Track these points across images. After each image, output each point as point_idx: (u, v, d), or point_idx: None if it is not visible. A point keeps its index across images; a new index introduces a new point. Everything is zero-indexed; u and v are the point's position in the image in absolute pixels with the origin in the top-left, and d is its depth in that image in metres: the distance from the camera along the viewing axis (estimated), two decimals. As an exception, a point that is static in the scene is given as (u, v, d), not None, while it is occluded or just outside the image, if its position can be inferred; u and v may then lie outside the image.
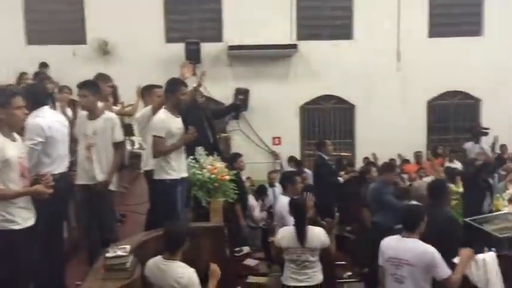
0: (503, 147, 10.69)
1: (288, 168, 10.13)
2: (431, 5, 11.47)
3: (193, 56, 10.41)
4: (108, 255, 3.18)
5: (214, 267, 3.52)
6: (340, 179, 7.68)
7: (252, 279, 5.13)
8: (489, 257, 3.94)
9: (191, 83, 5.23)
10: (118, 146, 4.26)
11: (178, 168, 4.23)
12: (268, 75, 11.29)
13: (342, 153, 11.22)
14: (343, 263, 5.61)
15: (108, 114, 4.31)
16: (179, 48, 10.57)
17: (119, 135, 4.27)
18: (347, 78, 11.25)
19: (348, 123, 11.80)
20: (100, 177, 4.12)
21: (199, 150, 4.93)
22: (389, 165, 6.48)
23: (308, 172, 9.10)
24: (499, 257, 4.02)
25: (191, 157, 4.73)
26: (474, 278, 3.86)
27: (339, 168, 8.59)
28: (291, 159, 10.61)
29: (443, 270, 3.62)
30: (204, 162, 4.82)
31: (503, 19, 11.25)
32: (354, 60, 11.13)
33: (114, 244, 3.48)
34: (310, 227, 4.15)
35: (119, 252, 3.18)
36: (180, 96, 4.26)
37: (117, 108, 5.88)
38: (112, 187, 4.25)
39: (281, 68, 11.39)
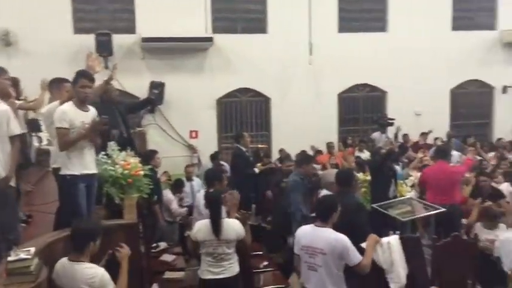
0: (405, 136, 11.41)
1: (207, 163, 10.12)
2: (340, 1, 11.92)
3: (104, 48, 10.01)
4: (10, 258, 2.99)
5: (121, 250, 3.43)
6: (256, 170, 7.83)
7: (168, 274, 5.08)
8: (393, 240, 4.19)
9: (103, 77, 5.05)
10: (14, 139, 4.00)
11: (79, 163, 4.01)
12: (184, 68, 11.15)
13: (259, 145, 11.42)
14: (259, 253, 5.71)
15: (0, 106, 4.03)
16: (89, 39, 10.09)
17: (15, 128, 4.01)
18: (262, 71, 11.40)
19: (264, 115, 11.98)
20: (-1, 173, 3.86)
21: (112, 145, 4.77)
22: (307, 157, 6.62)
23: (225, 165, 9.14)
24: (402, 239, 4.29)
25: (103, 153, 4.57)
26: (380, 260, 4.08)
27: (256, 160, 8.74)
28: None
29: (355, 257, 3.81)
30: (116, 157, 4.66)
31: (405, 16, 11.95)
32: (269, 53, 11.31)
33: (17, 247, 3.27)
34: (225, 219, 4.18)
35: (22, 255, 3.00)
36: (79, 89, 4.01)
37: (19, 102, 5.52)
38: (12, 183, 4.00)
39: (197, 61, 11.29)
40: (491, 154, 10.18)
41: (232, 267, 4.16)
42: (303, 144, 10.49)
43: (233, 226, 4.16)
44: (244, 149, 7.64)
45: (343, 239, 3.84)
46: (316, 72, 11.65)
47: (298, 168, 6.24)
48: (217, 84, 11.35)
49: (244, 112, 11.91)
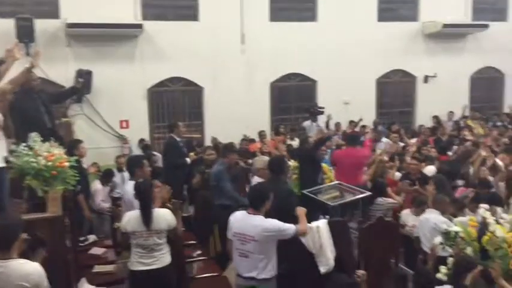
0: (337, 124, 11.78)
1: (138, 151, 9.92)
2: (271, -10, 12.02)
3: (25, 34, 9.47)
4: None
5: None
6: (188, 160, 7.78)
7: (98, 268, 4.94)
8: (322, 224, 4.33)
9: (24, 64, 4.78)
10: None
11: None
12: (113, 56, 10.80)
13: (193, 135, 11.33)
14: (192, 242, 5.70)
15: None
16: (8, 24, 9.50)
17: None
18: (195, 60, 11.29)
19: (197, 105, 11.89)
20: None
21: (34, 136, 4.54)
22: (229, 146, 6.61)
23: (157, 155, 9.01)
24: (330, 223, 4.45)
25: (23, 144, 4.34)
26: (310, 244, 4.20)
27: (189, 150, 8.67)
28: (141, 142, 10.40)
29: (290, 229, 3.93)
30: (39, 149, 4.45)
31: (334, 6, 12.25)
32: (201, 42, 11.22)
33: None
34: (156, 209, 4.13)
35: None
36: None
37: None
38: None
39: (126, 48, 10.96)
40: (414, 140, 10.74)
41: (163, 258, 4.13)
42: (236, 133, 10.56)
43: (164, 216, 4.12)
44: (178, 138, 7.55)
45: (273, 224, 3.93)
46: (249, 61, 11.71)
47: (222, 158, 6.28)
48: (148, 73, 11.11)
49: (176, 101, 11.75)
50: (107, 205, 7.05)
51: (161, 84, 11.49)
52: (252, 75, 11.92)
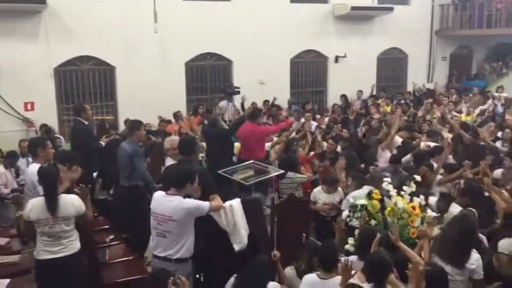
0: (253, 104, 11.89)
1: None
2: (184, -32, 11.78)
3: None
4: None
5: None
6: (102, 143, 7.49)
7: (1, 259, 4.65)
8: (235, 203, 4.37)
9: None
10: None
11: None
12: (15, 33, 10.09)
13: (105, 117, 10.94)
14: (105, 227, 5.54)
15: None
16: None
17: None
18: (105, 38, 10.85)
19: (109, 85, 11.45)
20: None
21: None
22: (137, 123, 6.42)
23: (61, 138, 8.65)
24: (243, 201, 4.51)
25: None
26: (223, 223, 4.24)
27: (101, 132, 8.36)
28: (41, 128, 9.79)
29: (205, 206, 3.98)
30: None
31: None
32: (112, 19, 10.78)
33: None
34: (62, 195, 3.95)
35: None
36: None
37: None
38: None
39: (29, 25, 10.28)
40: (327, 119, 11.15)
41: (72, 245, 3.97)
42: (151, 114, 10.31)
43: (72, 202, 3.95)
44: (85, 121, 7.21)
45: (188, 202, 3.95)
46: (163, 40, 11.45)
47: (130, 137, 6.13)
48: (55, 52, 10.52)
49: (86, 81, 11.25)
50: (6, 191, 6.62)
51: (69, 63, 10.93)
52: (167, 54, 11.67)
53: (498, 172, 6.20)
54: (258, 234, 4.48)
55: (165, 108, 10.84)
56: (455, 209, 4.95)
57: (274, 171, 6.05)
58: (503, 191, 5.10)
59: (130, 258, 4.89)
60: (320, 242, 4.67)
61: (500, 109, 11.01)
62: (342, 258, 4.25)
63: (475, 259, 3.88)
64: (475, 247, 3.97)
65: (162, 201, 3.99)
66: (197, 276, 4.43)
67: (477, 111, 11.00)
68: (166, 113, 10.75)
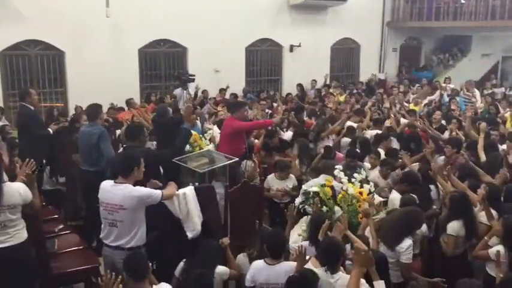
0: (205, 92, 11.84)
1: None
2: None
3: None
4: None
5: None
6: (50, 130, 7.25)
7: None
8: (189, 190, 4.36)
9: None
10: None
11: None
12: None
13: (55, 104, 10.58)
14: (54, 216, 5.40)
15: None
16: None
17: None
18: (54, 22, 10.49)
19: (58, 71, 11.09)
20: None
21: None
22: (99, 105, 6.30)
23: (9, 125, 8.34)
24: (196, 188, 4.51)
25: None
26: (177, 211, 4.23)
27: (50, 120, 8.09)
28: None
29: (157, 195, 3.95)
30: None
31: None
32: (62, 3, 10.42)
33: None
34: (7, 183, 3.80)
35: None
36: None
37: None
38: None
39: (-29, 6, 9.79)
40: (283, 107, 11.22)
41: (19, 234, 3.84)
42: (103, 101, 9.96)
43: (18, 190, 3.81)
44: (32, 107, 6.94)
45: (140, 191, 3.92)
46: (115, 25, 11.18)
47: (93, 120, 5.99)
48: (0, 35, 10.02)
49: (34, 67, 10.85)
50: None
51: (16, 47, 10.49)
52: (119, 40, 11.41)
53: (441, 159, 6.46)
54: (211, 222, 4.51)
55: (118, 95, 10.61)
56: (394, 195, 5.17)
57: (228, 160, 6.07)
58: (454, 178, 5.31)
59: (81, 247, 4.79)
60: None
61: (446, 99, 11.45)
62: (295, 245, 4.36)
63: (407, 244, 4.10)
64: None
65: (111, 190, 3.93)
66: (150, 264, 4.40)
67: (425, 101, 11.39)
68: (118, 101, 10.51)
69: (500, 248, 3.98)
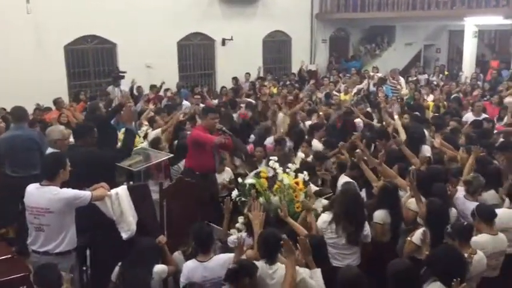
0: (139, 88, 11.60)
1: None
2: None
3: None
4: None
5: None
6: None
7: None
8: (121, 190, 4.26)
9: None
10: None
11: None
12: None
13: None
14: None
15: None
16: None
17: None
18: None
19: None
20: None
21: None
22: (24, 109, 6.01)
23: None
24: (130, 188, 4.42)
25: None
26: (109, 212, 4.12)
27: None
28: None
29: (86, 195, 3.84)
30: None
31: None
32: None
33: None
34: None
35: None
36: None
37: None
38: None
39: None
40: (215, 101, 11.23)
41: None
42: (28, 101, 9.53)
43: None
44: None
45: (67, 192, 3.81)
46: (37, 22, 10.69)
47: (21, 123, 5.73)
48: None
49: None
50: None
51: None
52: (43, 37, 10.90)
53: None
54: (147, 221, 4.44)
55: (44, 95, 10.11)
56: (342, 179, 5.36)
57: (163, 156, 6.00)
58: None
59: (8, 256, 4.56)
60: (213, 223, 4.75)
61: (373, 88, 11.92)
62: (233, 236, 4.41)
63: (367, 227, 4.27)
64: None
65: (37, 194, 3.81)
66: (84, 268, 4.29)
67: (354, 90, 11.80)
68: (45, 101, 10.05)
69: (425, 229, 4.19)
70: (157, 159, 5.95)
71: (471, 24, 14.20)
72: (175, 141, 7.17)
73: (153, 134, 7.22)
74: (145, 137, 7.64)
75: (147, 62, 12.33)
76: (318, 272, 3.52)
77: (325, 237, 4.20)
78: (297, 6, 15.39)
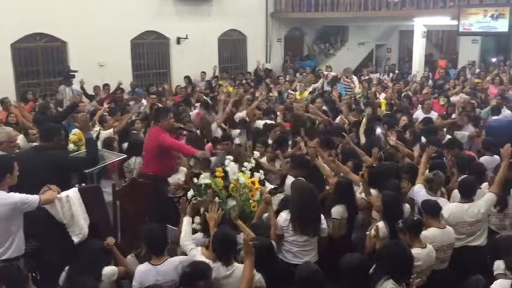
0: (96, 88, 11.31)
1: None
2: None
3: None
4: None
5: None
6: None
7: None
8: (72, 193, 4.13)
9: None
10: None
11: None
12: None
13: None
14: None
15: None
16: None
17: None
18: None
19: None
20: None
21: None
22: None
23: None
24: (81, 190, 4.29)
25: None
26: (60, 215, 3.98)
27: None
28: None
29: (33, 200, 3.68)
30: None
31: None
32: None
33: None
34: None
35: None
36: None
37: None
38: None
39: None
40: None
41: None
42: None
43: None
44: None
45: (13, 196, 3.67)
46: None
47: None
48: None
49: None
50: None
51: None
52: (-13, 35, 10.43)
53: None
54: (99, 223, 4.33)
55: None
56: (289, 180, 5.36)
57: (116, 157, 5.88)
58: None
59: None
60: (168, 224, 4.67)
61: (328, 87, 12.11)
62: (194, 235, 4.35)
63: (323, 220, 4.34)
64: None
65: None
66: (33, 274, 4.11)
67: (309, 89, 11.94)
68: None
69: (380, 223, 4.30)
70: (110, 159, 5.83)
71: (420, 25, 14.65)
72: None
73: (104, 134, 7.06)
74: (97, 137, 7.47)
75: (100, 61, 12.04)
76: (258, 276, 3.56)
77: (286, 235, 4.23)
78: (251, 5, 15.42)
